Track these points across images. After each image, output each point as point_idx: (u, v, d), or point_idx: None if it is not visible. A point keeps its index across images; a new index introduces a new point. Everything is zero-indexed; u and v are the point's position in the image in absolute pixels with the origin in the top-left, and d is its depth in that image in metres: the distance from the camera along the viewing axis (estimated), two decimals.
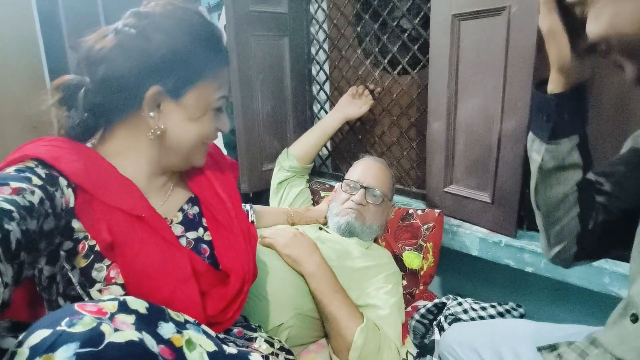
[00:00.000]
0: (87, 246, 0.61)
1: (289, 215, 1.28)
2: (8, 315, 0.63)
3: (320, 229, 1.23)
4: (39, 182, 0.55)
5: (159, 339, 0.47)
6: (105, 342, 0.41)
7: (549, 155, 0.65)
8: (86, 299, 0.60)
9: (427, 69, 1.25)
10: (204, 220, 0.76)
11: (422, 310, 1.07)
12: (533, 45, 0.96)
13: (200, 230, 0.75)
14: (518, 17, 0.98)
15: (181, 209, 0.75)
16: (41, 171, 0.57)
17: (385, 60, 1.45)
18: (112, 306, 0.46)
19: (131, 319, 0.46)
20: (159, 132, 0.66)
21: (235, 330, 0.73)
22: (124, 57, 0.62)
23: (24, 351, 0.39)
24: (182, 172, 0.78)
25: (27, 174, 0.55)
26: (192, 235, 0.73)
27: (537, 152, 0.66)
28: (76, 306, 0.44)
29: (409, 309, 1.13)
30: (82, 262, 0.60)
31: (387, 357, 0.89)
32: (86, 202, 0.61)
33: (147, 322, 0.47)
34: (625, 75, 0.50)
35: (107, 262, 0.61)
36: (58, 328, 0.41)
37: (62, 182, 0.59)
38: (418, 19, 1.32)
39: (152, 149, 0.68)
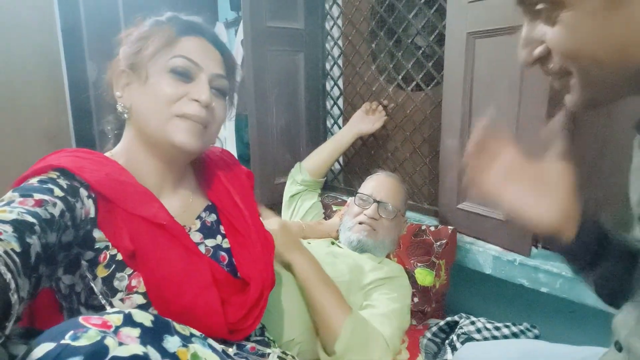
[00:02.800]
0: (108, 256, 0.62)
1: (301, 228, 1.28)
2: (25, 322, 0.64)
3: (333, 243, 1.23)
4: (61, 194, 0.56)
5: (164, 353, 0.46)
6: (110, 356, 0.41)
7: None
8: (108, 309, 0.60)
9: (441, 86, 1.26)
10: (221, 227, 0.76)
11: (434, 329, 1.05)
12: None
13: (219, 237, 0.75)
14: None
15: (199, 217, 0.75)
16: (63, 182, 0.58)
17: (400, 77, 1.47)
18: (117, 319, 0.45)
19: (136, 332, 0.45)
20: (120, 109, 0.69)
21: (249, 346, 0.73)
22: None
23: None
24: (198, 178, 0.79)
25: (50, 185, 0.56)
26: (210, 242, 0.73)
27: None
28: (81, 319, 0.44)
29: (420, 327, 1.12)
30: (104, 272, 0.61)
31: (374, 351, 0.87)
32: (108, 211, 0.62)
33: (153, 335, 0.47)
34: (571, 99, 0.46)
35: (128, 271, 0.62)
36: (62, 341, 0.40)
37: (83, 192, 0.61)
38: (433, 36, 1.33)
39: (136, 134, 0.70)
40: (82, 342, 0.41)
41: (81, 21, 1.98)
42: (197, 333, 0.54)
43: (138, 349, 0.43)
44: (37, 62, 1.98)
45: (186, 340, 0.50)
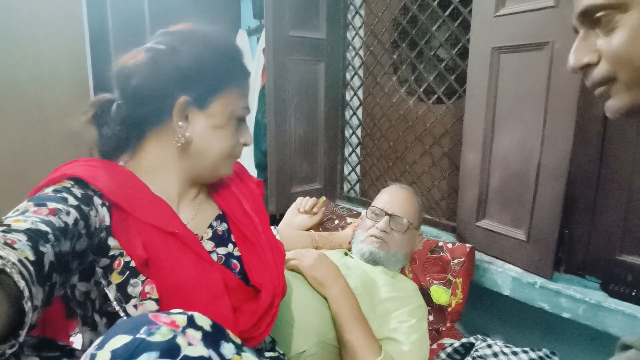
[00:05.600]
0: (122, 262, 0.62)
1: (313, 238, 1.27)
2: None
3: (346, 254, 1.21)
4: (75, 202, 0.56)
5: (222, 359, 0.47)
6: (182, 355, 0.42)
7: None
8: (122, 315, 0.60)
9: (463, 100, 1.23)
10: (232, 236, 0.77)
11: (449, 350, 1.02)
12: (577, 81, 0.93)
13: (230, 245, 0.75)
14: (562, 52, 0.96)
15: (210, 226, 0.75)
16: (77, 191, 0.59)
17: (421, 89, 1.45)
18: (182, 320, 0.47)
19: (199, 335, 0.46)
20: (183, 141, 0.67)
21: None
22: (154, 69, 0.65)
23: (105, 354, 0.40)
24: (209, 188, 0.80)
25: (64, 194, 0.57)
26: (222, 250, 0.74)
27: None
28: (150, 316, 0.45)
29: (435, 346, 1.08)
30: (118, 278, 0.61)
31: None
32: (122, 219, 0.63)
33: (212, 339, 0.48)
34: (613, 104, 0.49)
35: (141, 277, 0.62)
36: (138, 335, 0.42)
37: (97, 201, 0.61)
38: (456, 49, 1.31)
39: (180, 159, 0.70)
40: (157, 338, 0.42)
41: (108, 23, 2.02)
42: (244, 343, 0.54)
43: (204, 352, 0.44)
44: (64, 62, 2.03)
45: (239, 348, 0.51)
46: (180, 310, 0.49)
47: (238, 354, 0.50)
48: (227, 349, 0.49)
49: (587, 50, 0.49)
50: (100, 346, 0.41)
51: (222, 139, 0.70)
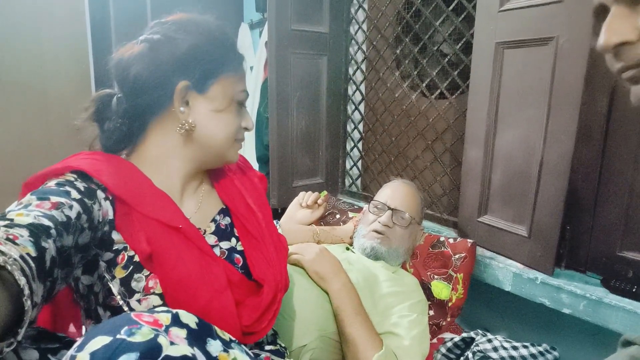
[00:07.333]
0: (126, 257, 0.62)
1: (315, 233, 1.27)
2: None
3: (347, 249, 1.22)
4: (78, 196, 0.56)
5: (208, 356, 0.47)
6: (163, 354, 0.42)
7: None
8: (126, 309, 0.60)
9: (466, 95, 1.23)
10: (235, 230, 0.77)
11: (449, 344, 1.02)
12: (581, 77, 0.93)
13: (233, 240, 0.76)
14: (566, 48, 0.95)
15: (213, 220, 0.76)
16: (80, 184, 0.59)
17: (424, 84, 1.44)
18: (166, 318, 0.46)
19: (183, 333, 0.46)
20: (187, 127, 0.68)
21: (263, 356, 0.72)
22: (152, 58, 0.65)
23: (85, 356, 0.40)
24: (212, 180, 0.80)
25: (67, 188, 0.56)
26: (225, 245, 0.74)
27: None
28: (133, 315, 0.45)
29: (435, 340, 1.09)
30: (122, 273, 0.61)
31: None
32: (125, 214, 0.63)
33: (197, 337, 0.47)
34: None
35: (145, 272, 0.62)
36: (118, 336, 0.41)
37: (100, 194, 0.61)
38: (460, 44, 1.31)
39: (185, 147, 0.70)
40: (137, 338, 0.42)
41: (110, 17, 2.01)
42: (234, 339, 0.54)
43: (187, 350, 0.44)
44: (66, 56, 2.03)
45: (226, 345, 0.51)
46: (165, 308, 0.49)
47: (225, 350, 0.49)
48: (214, 346, 0.49)
49: (625, 27, 0.44)
50: (80, 348, 0.41)
51: (225, 123, 0.70)
